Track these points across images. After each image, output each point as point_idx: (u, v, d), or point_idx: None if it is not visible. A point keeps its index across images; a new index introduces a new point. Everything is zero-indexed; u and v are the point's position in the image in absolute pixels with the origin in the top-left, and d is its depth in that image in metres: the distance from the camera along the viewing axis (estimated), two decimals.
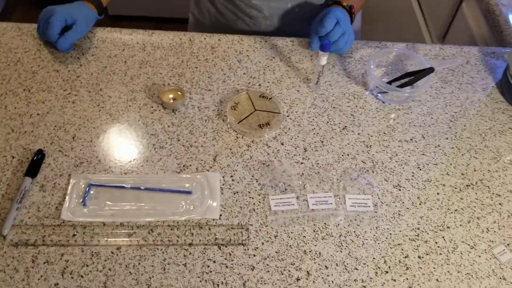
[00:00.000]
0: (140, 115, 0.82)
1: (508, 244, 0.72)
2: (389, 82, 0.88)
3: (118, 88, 0.85)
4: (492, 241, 0.72)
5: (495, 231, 0.73)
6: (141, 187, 0.73)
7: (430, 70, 0.87)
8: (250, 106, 0.84)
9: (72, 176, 0.73)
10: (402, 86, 0.87)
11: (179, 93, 0.84)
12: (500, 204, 0.77)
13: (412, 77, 0.87)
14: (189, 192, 0.73)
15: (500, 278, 0.69)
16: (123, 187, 0.72)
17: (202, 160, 0.77)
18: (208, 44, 0.94)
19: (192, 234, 0.69)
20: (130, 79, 0.87)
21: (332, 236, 0.71)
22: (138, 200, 0.71)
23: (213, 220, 0.71)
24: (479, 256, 0.71)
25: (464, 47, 1.01)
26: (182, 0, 2.16)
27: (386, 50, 0.93)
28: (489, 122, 0.88)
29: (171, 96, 0.84)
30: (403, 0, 1.66)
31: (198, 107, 0.84)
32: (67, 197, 0.70)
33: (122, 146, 0.78)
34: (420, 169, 0.80)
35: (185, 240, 0.68)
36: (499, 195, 0.78)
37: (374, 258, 0.69)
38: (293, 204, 0.73)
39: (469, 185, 0.78)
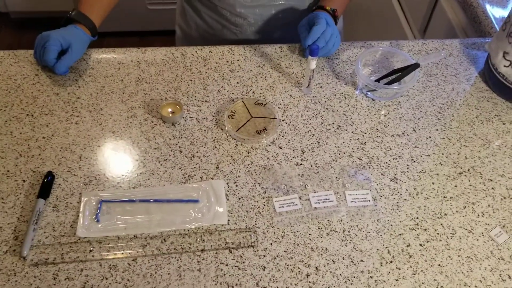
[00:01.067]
0: (142, 130, 0.85)
1: (503, 226, 0.76)
2: (377, 80, 0.92)
3: (118, 106, 0.88)
4: (488, 224, 0.76)
5: (490, 215, 0.77)
6: (150, 200, 0.75)
7: (416, 65, 0.90)
8: (247, 114, 0.87)
9: (83, 195, 0.75)
10: (390, 83, 0.91)
11: (177, 106, 0.87)
12: (492, 188, 0.81)
13: (399, 74, 0.91)
14: (196, 201, 0.76)
15: (499, 258, 0.73)
16: (132, 201, 0.75)
17: (205, 169, 0.80)
18: (200, 57, 0.97)
19: (203, 240, 0.72)
20: (128, 96, 0.90)
21: (336, 231, 0.74)
22: (148, 212, 0.74)
23: (222, 225, 0.74)
24: (477, 240, 0.74)
25: (446, 41, 1.05)
26: (167, 14, 2.21)
27: (372, 49, 0.96)
28: (476, 111, 0.92)
29: (169, 110, 0.87)
30: (384, 7, 1.71)
31: (196, 118, 0.87)
32: (80, 215, 0.73)
33: (128, 161, 0.80)
34: (414, 161, 0.83)
35: (197, 247, 0.71)
36: (491, 179, 0.82)
37: (378, 250, 0.72)
38: (296, 204, 0.77)
39: (462, 173, 0.82)
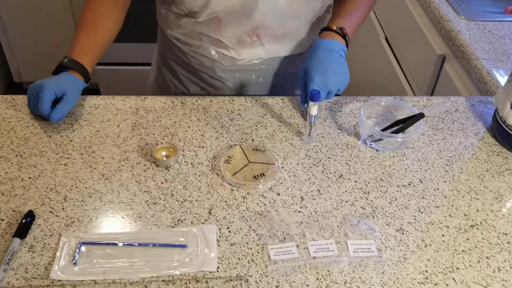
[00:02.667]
0: (133, 173, 0.81)
1: None
2: (381, 130, 0.89)
3: (111, 149, 0.85)
4: (506, 280, 0.69)
5: (507, 270, 0.70)
6: (134, 243, 0.70)
7: (420, 115, 0.88)
8: (244, 159, 0.83)
9: (62, 235, 0.70)
10: (394, 133, 0.88)
11: (172, 150, 0.84)
12: (508, 242, 0.74)
13: (403, 124, 0.88)
14: (184, 246, 0.70)
15: None
16: (115, 244, 0.69)
17: (197, 213, 0.75)
18: (200, 106, 0.96)
19: None
20: (123, 140, 0.87)
21: (337, 283, 0.67)
22: (131, 256, 0.68)
23: (211, 272, 0.67)
24: None
25: (451, 97, 1.03)
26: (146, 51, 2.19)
27: (375, 100, 0.94)
28: (485, 164, 0.87)
29: (164, 153, 0.83)
30: (387, 70, 1.73)
31: (191, 163, 0.84)
32: (57, 256, 0.67)
33: (114, 203, 0.76)
34: (422, 212, 0.78)
35: None
36: (506, 234, 0.75)
37: None
38: (294, 253, 0.70)
39: (474, 226, 0.76)
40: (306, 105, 0.90)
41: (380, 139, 0.89)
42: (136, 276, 0.66)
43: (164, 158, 0.83)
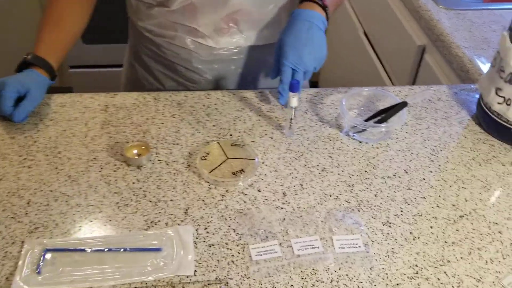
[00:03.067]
0: (102, 174, 0.76)
1: None
2: (364, 121, 0.85)
3: (78, 149, 0.80)
4: (499, 272, 0.65)
5: (499, 261, 0.67)
6: (104, 249, 0.64)
7: (403, 104, 0.84)
8: (222, 155, 0.79)
9: (25, 243, 0.64)
10: (377, 123, 0.84)
11: (144, 148, 0.79)
12: (499, 232, 0.71)
13: (386, 113, 0.85)
14: (158, 249, 0.65)
15: None
16: (83, 250, 0.64)
17: (172, 214, 0.70)
18: (174, 101, 0.91)
19: None
20: (91, 140, 0.82)
21: (323, 282, 0.63)
22: (100, 263, 0.63)
23: (187, 277, 0.62)
24: None
25: (433, 86, 1.00)
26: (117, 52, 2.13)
27: (356, 91, 0.91)
28: (472, 153, 0.84)
29: (135, 151, 0.78)
30: (367, 65, 1.71)
31: (165, 161, 0.79)
32: (19, 266, 0.61)
33: (82, 207, 0.70)
34: (408, 204, 0.74)
35: None
36: (496, 223, 0.72)
37: None
38: (276, 252, 0.66)
39: (463, 216, 0.73)
40: (281, 95, 0.86)
41: (363, 130, 0.85)
42: (106, 284, 0.61)
43: (136, 157, 0.78)
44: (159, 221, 0.69)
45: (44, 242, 0.65)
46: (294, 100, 0.80)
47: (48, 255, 0.63)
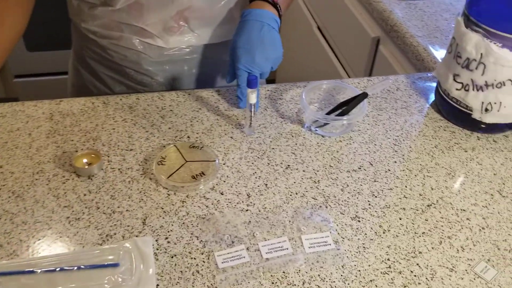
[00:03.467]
0: (50, 187, 0.70)
1: (488, 260, 0.64)
2: (326, 115, 0.83)
3: (22, 162, 0.73)
4: (471, 260, 0.64)
5: (470, 249, 0.66)
6: (56, 269, 0.59)
7: (364, 95, 0.83)
8: (180, 159, 0.74)
9: None
10: (339, 116, 0.82)
11: (94, 156, 0.73)
12: (467, 219, 0.70)
13: (347, 106, 0.83)
14: (115, 265, 0.60)
15: None
16: (32, 272, 0.58)
17: (129, 225, 0.65)
18: (125, 104, 0.86)
19: None
20: (36, 151, 0.75)
21: (295, 285, 0.60)
22: (52, 285, 0.57)
23: None
24: (462, 279, 0.62)
25: (391, 76, 1.00)
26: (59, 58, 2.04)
27: (316, 84, 0.88)
28: (434, 140, 0.84)
29: (85, 160, 0.73)
30: (323, 60, 1.70)
31: (119, 169, 0.73)
32: None
33: (29, 224, 0.64)
34: (376, 197, 0.72)
35: None
36: (463, 210, 0.71)
37: None
38: (244, 257, 0.62)
39: (430, 205, 0.72)
40: (241, 97, 0.83)
41: (325, 124, 0.83)
42: None
43: (86, 166, 0.72)
44: (115, 234, 0.64)
45: None
46: (253, 97, 0.76)
47: None
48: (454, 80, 0.83)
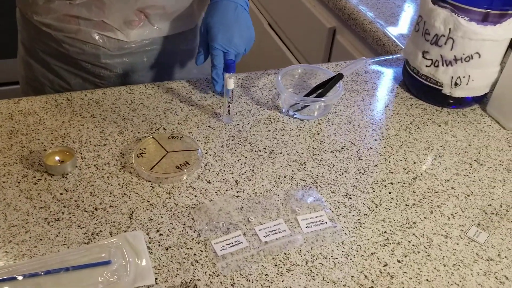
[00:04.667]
0: (20, 189, 0.64)
1: (478, 224, 0.66)
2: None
3: None
4: (463, 225, 0.65)
5: (460, 215, 0.67)
6: (40, 273, 0.53)
7: (339, 76, 0.83)
8: (160, 150, 0.71)
9: None
10: (317, 97, 0.82)
11: (67, 153, 0.68)
12: (452, 188, 0.71)
13: (324, 88, 0.82)
14: (107, 262, 0.55)
15: (487, 259, 0.61)
16: (14, 279, 0.53)
17: (115, 221, 0.61)
18: (91, 100, 0.81)
19: None
20: None
21: (298, 265, 0.58)
22: None
23: (148, 287, 0.54)
24: (457, 244, 0.63)
25: (347, 62, 1.01)
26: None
27: (290, 68, 0.87)
28: (408, 118, 0.85)
29: (57, 158, 0.67)
30: (279, 57, 1.70)
31: (94, 165, 0.69)
32: None
33: (3, 229, 0.58)
34: (363, 174, 0.72)
35: None
36: (447, 180, 0.73)
37: (352, 276, 0.57)
38: (242, 243, 0.60)
39: (416, 178, 0.72)
40: (219, 81, 0.80)
41: (303, 108, 0.82)
42: None
43: (58, 164, 0.67)
44: (100, 231, 0.59)
45: None
46: (231, 82, 0.74)
47: None
48: (424, 57, 0.85)
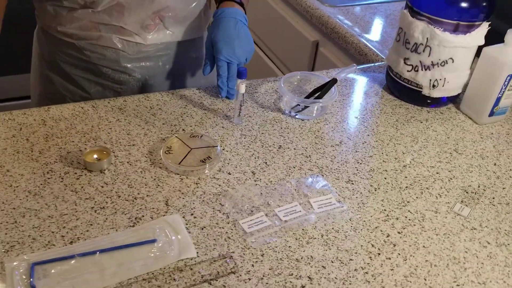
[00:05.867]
0: (65, 184, 0.72)
1: (462, 201, 0.77)
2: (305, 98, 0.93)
3: (29, 164, 0.74)
4: (448, 203, 0.77)
5: (446, 195, 0.79)
6: (97, 251, 0.62)
7: (334, 80, 0.94)
8: (184, 147, 0.80)
9: (5, 263, 0.59)
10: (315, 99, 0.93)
11: (104, 152, 0.76)
12: (437, 173, 0.83)
13: (321, 91, 0.93)
14: (153, 241, 0.64)
15: (472, 229, 0.73)
16: (74, 257, 0.60)
17: (153, 208, 0.69)
18: (114, 107, 0.89)
19: (174, 279, 0.59)
20: (39, 153, 0.77)
21: (315, 238, 0.68)
22: (98, 265, 0.60)
23: (191, 259, 0.62)
24: (446, 217, 0.74)
25: (338, 69, 1.13)
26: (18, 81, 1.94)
27: (291, 74, 0.98)
28: (394, 116, 0.97)
29: (95, 156, 0.76)
30: (265, 71, 1.81)
31: (128, 162, 0.77)
32: (6, 286, 0.56)
33: (55, 217, 0.66)
34: (360, 163, 0.83)
35: None
36: (432, 166, 0.84)
37: (362, 246, 0.68)
38: (266, 222, 0.69)
39: (406, 165, 0.84)
40: (224, 93, 0.91)
41: (303, 109, 0.93)
42: (111, 282, 0.58)
43: (97, 161, 0.75)
44: (143, 216, 0.68)
45: (26, 258, 0.60)
46: (242, 87, 0.84)
47: (38, 269, 0.58)
48: (405, 63, 0.97)
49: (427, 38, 0.92)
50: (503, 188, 0.81)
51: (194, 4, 0.96)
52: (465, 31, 0.90)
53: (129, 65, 0.96)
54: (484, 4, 0.89)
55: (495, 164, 0.87)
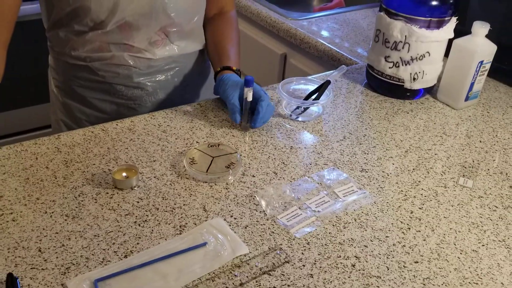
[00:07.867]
0: (100, 204, 0.72)
1: (464, 175, 0.86)
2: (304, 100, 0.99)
3: (57, 190, 0.74)
4: (453, 178, 0.85)
5: (449, 172, 0.87)
6: (153, 261, 0.63)
7: (328, 82, 1.01)
8: (206, 157, 0.83)
9: (68, 284, 0.59)
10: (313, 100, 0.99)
11: (133, 170, 0.78)
12: (436, 154, 0.91)
13: (317, 93, 1.00)
14: (204, 244, 0.66)
15: (479, 197, 0.81)
16: (133, 269, 0.62)
17: (194, 215, 0.72)
18: (123, 128, 0.90)
19: (236, 275, 0.62)
20: (64, 179, 0.77)
21: (350, 222, 0.73)
22: (158, 274, 0.61)
23: (245, 255, 0.65)
24: (455, 190, 0.82)
25: (327, 72, 1.20)
26: (39, 111, 1.89)
27: (287, 80, 1.04)
28: (383, 110, 1.05)
29: (124, 174, 0.77)
30: None
31: (154, 177, 0.79)
32: None
33: (102, 236, 0.67)
34: (367, 154, 0.90)
35: (233, 283, 0.61)
36: (429, 149, 0.93)
37: (392, 224, 0.73)
38: (301, 214, 0.73)
39: (407, 151, 0.91)
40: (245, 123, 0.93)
41: (303, 112, 0.98)
42: (178, 286, 0.60)
43: (126, 179, 0.76)
44: (186, 223, 0.70)
45: (87, 276, 0.60)
46: (250, 95, 0.89)
47: (102, 285, 0.59)
48: (386, 61, 1.06)
49: (405, 36, 1.01)
50: (493, 160, 0.91)
51: (196, 18, 1.01)
52: (438, 27, 1.00)
53: (141, 80, 0.99)
54: (451, 1, 1.00)
55: (480, 141, 0.96)
